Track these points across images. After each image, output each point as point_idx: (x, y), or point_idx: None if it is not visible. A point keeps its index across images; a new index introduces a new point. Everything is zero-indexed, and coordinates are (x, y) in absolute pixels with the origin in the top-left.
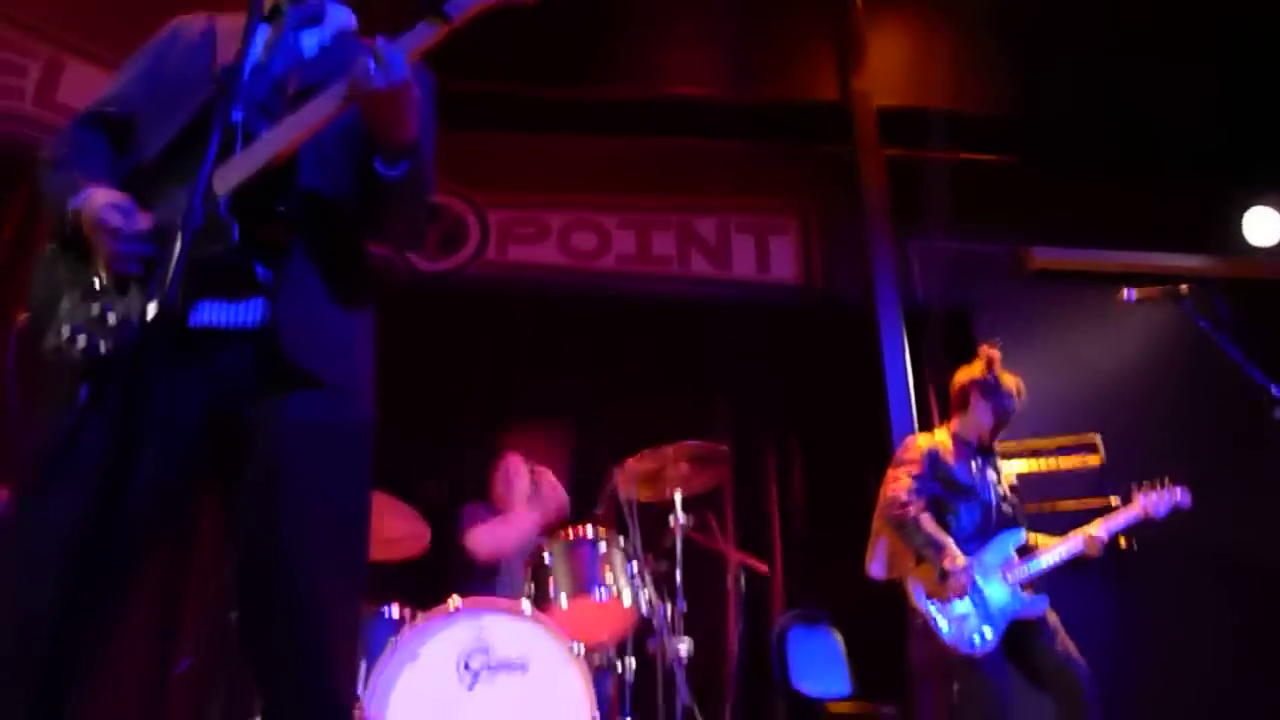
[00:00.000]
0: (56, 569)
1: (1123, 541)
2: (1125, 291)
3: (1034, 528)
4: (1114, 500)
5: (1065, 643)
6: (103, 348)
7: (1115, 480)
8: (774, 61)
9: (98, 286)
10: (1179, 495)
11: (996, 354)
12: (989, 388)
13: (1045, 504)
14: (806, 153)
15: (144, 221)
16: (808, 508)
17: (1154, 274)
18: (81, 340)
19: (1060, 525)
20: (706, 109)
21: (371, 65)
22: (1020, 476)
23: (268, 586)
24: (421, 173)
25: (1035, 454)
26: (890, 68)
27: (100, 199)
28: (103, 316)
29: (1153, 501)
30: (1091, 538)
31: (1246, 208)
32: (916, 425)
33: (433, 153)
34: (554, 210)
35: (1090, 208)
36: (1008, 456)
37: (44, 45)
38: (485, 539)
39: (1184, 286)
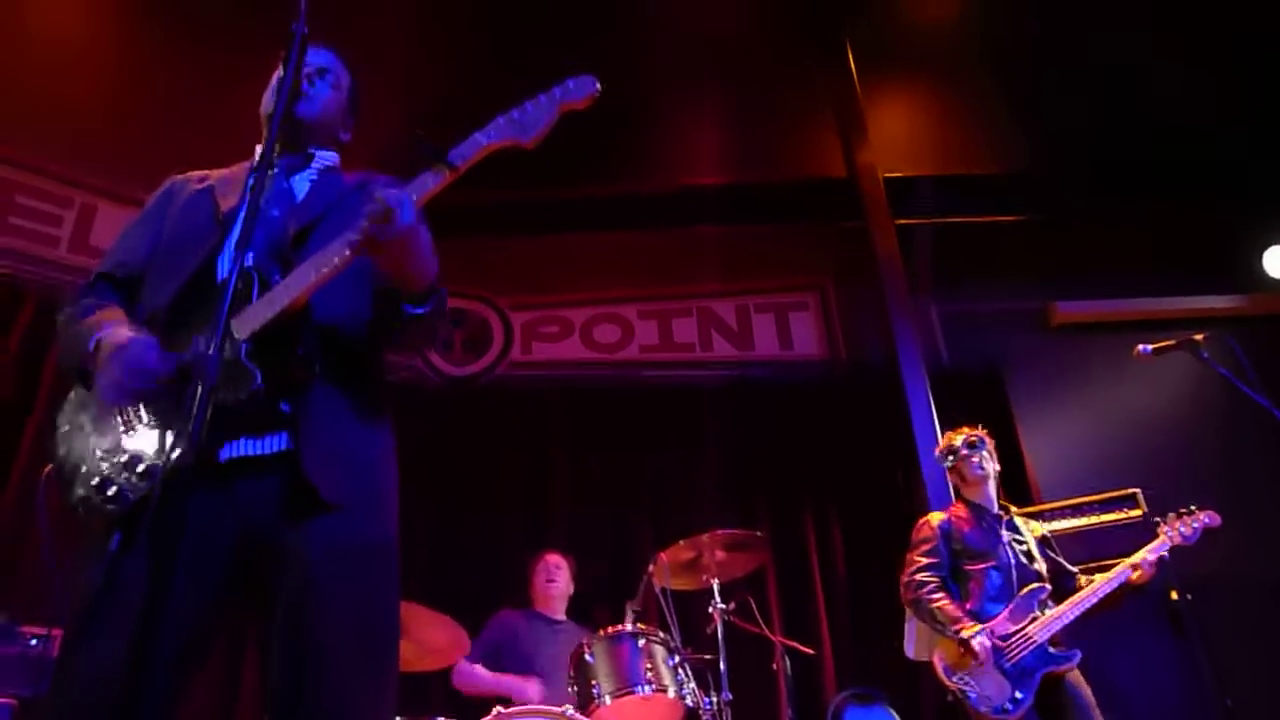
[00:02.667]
0: (99, 712)
1: (1174, 594)
2: (1140, 347)
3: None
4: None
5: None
6: (131, 496)
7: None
8: (779, 145)
9: (123, 433)
10: (1205, 518)
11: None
12: (953, 455)
13: (1091, 562)
14: (819, 230)
15: (165, 361)
16: (851, 584)
17: (1180, 318)
18: (111, 490)
19: None
20: (717, 197)
21: (379, 214)
22: (1064, 535)
23: (298, 710)
24: (442, 305)
25: (1077, 511)
26: (894, 138)
27: (124, 329)
28: (131, 464)
29: (1178, 530)
30: (1136, 565)
31: (1269, 242)
32: (952, 490)
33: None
34: (575, 307)
35: (1113, 255)
36: (1049, 517)
37: (77, 193)
38: (460, 680)
39: (1199, 336)
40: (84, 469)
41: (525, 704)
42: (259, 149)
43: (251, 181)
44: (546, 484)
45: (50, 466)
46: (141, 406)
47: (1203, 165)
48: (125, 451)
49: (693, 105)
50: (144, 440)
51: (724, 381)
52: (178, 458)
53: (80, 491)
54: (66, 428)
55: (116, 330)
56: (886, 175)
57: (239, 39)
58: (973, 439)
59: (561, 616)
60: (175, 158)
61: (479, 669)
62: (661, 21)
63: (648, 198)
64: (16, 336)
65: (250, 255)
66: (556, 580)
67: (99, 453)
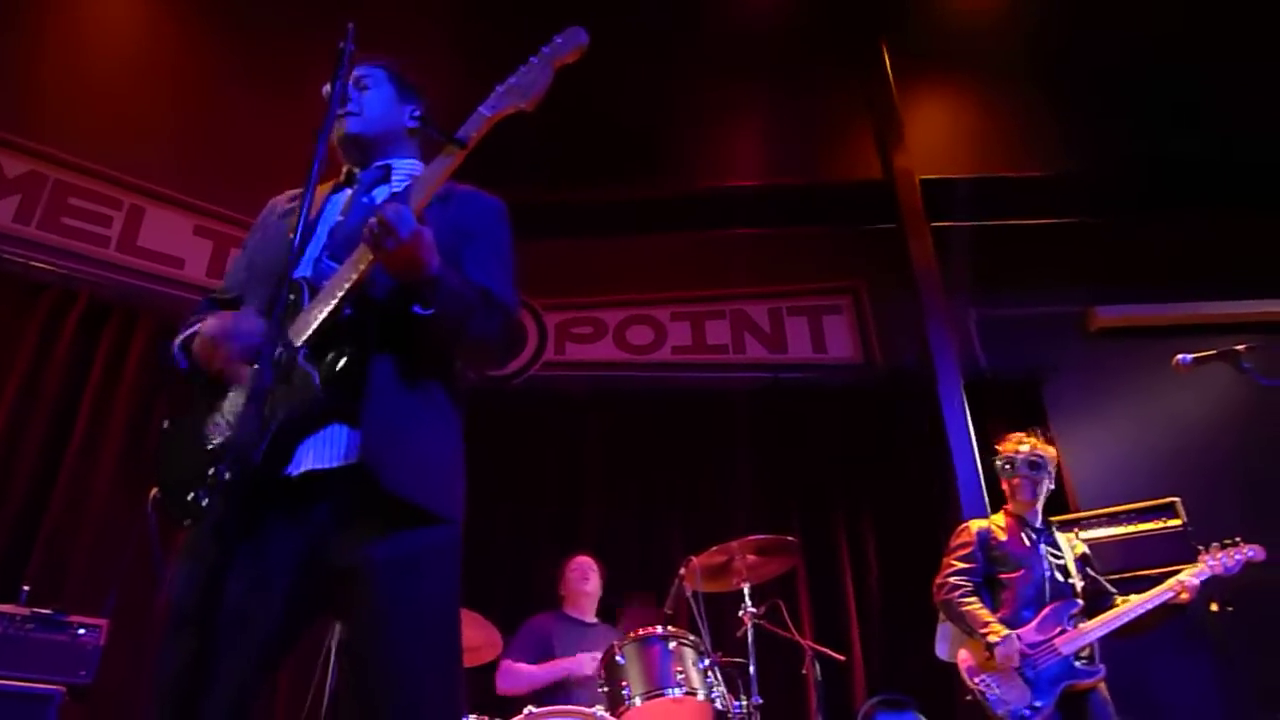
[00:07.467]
0: (170, 710)
1: (1214, 606)
2: (1180, 357)
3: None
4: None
5: None
6: (208, 501)
7: (1199, 543)
8: (815, 147)
9: (208, 438)
10: (1250, 551)
11: (1015, 434)
12: (1011, 468)
13: (1126, 572)
14: (854, 232)
15: (255, 320)
16: (883, 590)
17: (1223, 323)
18: (205, 499)
19: (1143, 591)
20: (751, 199)
21: (378, 230)
22: (1101, 543)
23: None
24: (459, 303)
25: (1114, 520)
26: (931, 140)
27: (211, 320)
28: (211, 470)
29: (1219, 560)
30: (1182, 583)
31: None
32: (987, 497)
33: (511, 274)
34: (609, 308)
35: (1154, 259)
36: (1086, 525)
37: (126, 194)
38: (509, 681)
39: (1241, 346)
40: (175, 475)
41: (584, 678)
42: (344, 168)
43: (305, 203)
44: (578, 485)
45: (155, 489)
46: (224, 415)
47: (1246, 168)
48: (208, 456)
49: (727, 108)
50: (221, 445)
51: (756, 384)
52: (235, 462)
53: (172, 495)
54: (170, 448)
55: (208, 323)
56: (923, 177)
57: (289, 46)
58: (1035, 459)
59: (593, 618)
60: (223, 161)
61: (524, 666)
62: (697, 25)
63: (681, 200)
64: (68, 334)
65: (311, 269)
66: (589, 580)
67: (188, 458)
